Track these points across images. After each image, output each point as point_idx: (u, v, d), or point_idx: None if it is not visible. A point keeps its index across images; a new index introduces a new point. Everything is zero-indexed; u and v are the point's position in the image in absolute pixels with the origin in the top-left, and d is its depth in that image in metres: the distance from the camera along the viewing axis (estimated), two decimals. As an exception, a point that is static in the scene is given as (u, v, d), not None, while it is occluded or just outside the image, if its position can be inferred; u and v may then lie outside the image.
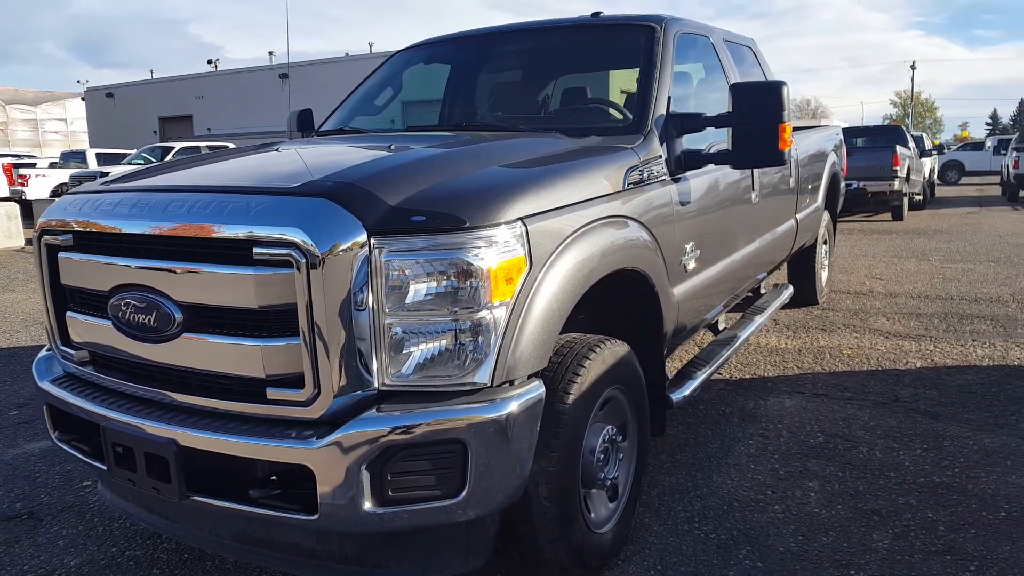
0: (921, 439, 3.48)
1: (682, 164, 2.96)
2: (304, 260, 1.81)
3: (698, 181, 3.11)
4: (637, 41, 3.28)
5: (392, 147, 2.58)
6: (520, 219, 2.00)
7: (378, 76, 4.03)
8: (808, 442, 3.48)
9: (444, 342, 1.90)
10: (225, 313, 1.96)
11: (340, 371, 1.86)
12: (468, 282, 1.88)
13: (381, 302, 1.87)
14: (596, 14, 3.79)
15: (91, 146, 29.99)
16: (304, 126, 3.99)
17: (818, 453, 3.36)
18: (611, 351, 2.37)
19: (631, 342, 2.55)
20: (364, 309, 1.86)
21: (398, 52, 4.14)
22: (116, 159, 20.19)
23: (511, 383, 1.96)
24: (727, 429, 3.66)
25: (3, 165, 19.80)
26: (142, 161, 17.96)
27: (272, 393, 1.92)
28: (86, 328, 2.30)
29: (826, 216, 6.06)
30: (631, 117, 3.04)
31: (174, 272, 2.00)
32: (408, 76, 4.01)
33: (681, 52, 3.35)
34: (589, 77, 3.80)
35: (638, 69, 3.17)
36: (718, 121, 2.91)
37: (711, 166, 3.11)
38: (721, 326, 4.06)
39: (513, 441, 1.92)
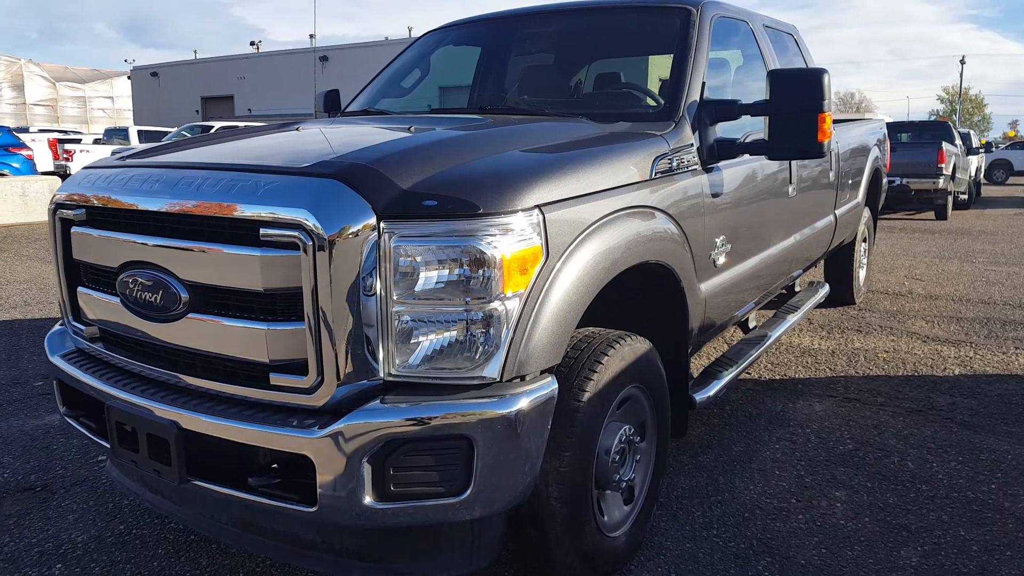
0: (956, 451, 3.31)
1: (715, 153, 2.83)
2: (311, 242, 1.74)
3: (732, 172, 2.98)
4: (671, 24, 3.14)
5: (412, 129, 2.50)
6: (537, 207, 1.91)
7: (406, 57, 3.95)
8: (837, 449, 3.34)
9: (454, 333, 1.82)
10: (230, 294, 1.91)
11: (345, 359, 1.79)
12: (480, 271, 1.79)
13: (390, 289, 1.79)
14: None
15: (135, 123, 30.56)
16: (331, 106, 3.94)
17: (847, 461, 3.21)
18: (631, 348, 2.27)
19: (654, 339, 2.45)
20: (372, 295, 1.79)
21: (427, 33, 4.05)
22: (157, 136, 20.52)
23: (522, 378, 1.88)
24: (753, 432, 3.53)
25: (48, 140, 20.27)
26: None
27: (275, 379, 1.87)
28: (96, 304, 2.27)
29: (866, 213, 5.84)
30: (662, 103, 2.91)
31: (180, 250, 1.95)
32: (445, 61, 3.91)
33: (718, 37, 3.20)
34: (621, 61, 3.67)
35: (672, 54, 3.04)
36: (754, 109, 2.77)
37: (746, 156, 2.97)
38: (752, 324, 3.92)
39: (522, 439, 1.84)
